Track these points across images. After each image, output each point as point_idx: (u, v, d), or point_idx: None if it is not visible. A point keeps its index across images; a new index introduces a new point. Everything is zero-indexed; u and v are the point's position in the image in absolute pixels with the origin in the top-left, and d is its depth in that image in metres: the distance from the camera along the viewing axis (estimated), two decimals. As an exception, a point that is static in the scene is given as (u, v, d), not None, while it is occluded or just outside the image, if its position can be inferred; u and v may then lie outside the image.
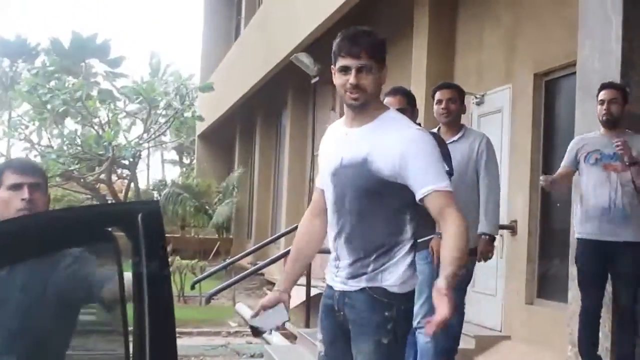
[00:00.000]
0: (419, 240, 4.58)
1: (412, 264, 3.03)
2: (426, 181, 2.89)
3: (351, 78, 2.90)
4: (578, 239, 5.15)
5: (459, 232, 2.84)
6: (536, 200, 7.32)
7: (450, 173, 4.88)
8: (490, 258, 5.50)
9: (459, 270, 2.82)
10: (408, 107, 4.94)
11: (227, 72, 21.19)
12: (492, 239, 5.41)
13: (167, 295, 1.80)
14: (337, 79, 2.95)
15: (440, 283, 2.78)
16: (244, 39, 19.99)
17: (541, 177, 5.36)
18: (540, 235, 7.29)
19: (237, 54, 20.35)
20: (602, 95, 5.09)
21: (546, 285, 7.20)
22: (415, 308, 4.82)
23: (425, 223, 4.70)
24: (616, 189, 4.96)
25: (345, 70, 2.92)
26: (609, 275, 5.08)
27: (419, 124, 5.01)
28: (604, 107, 5.06)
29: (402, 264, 2.98)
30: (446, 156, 4.89)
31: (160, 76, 35.73)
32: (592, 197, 5.04)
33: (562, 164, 5.33)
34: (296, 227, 11.61)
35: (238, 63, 19.62)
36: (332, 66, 2.99)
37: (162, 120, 17.72)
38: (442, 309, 2.73)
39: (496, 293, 7.78)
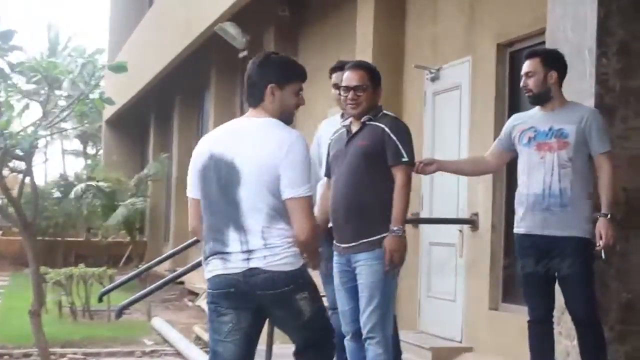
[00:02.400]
0: (372, 238, 4.61)
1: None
2: None
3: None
4: (515, 234, 5.08)
5: None
6: (500, 190, 7.36)
7: (410, 163, 4.85)
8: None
9: None
10: (370, 84, 4.89)
11: (139, 46, 20.92)
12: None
13: None
14: None
15: None
16: (158, 6, 19.77)
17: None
18: (505, 230, 7.31)
19: (150, 24, 20.11)
20: (523, 68, 5.04)
21: (513, 288, 7.23)
22: (364, 316, 4.80)
23: (379, 217, 4.73)
24: (552, 171, 4.85)
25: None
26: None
27: (380, 107, 4.96)
28: (522, 82, 5.01)
29: None
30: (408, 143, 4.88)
31: (60, 51, 35.10)
32: (525, 183, 4.98)
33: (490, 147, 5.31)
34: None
35: (152, 35, 19.38)
36: None
37: (63, 103, 17.35)
38: None
39: (455, 298, 7.81)
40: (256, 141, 3.80)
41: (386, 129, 4.82)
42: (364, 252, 4.74)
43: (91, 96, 14.95)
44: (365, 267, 4.73)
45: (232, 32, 12.71)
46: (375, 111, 4.94)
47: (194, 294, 14.43)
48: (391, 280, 4.84)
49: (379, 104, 5.02)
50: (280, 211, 3.78)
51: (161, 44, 17.79)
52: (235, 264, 3.82)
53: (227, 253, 3.83)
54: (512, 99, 7.36)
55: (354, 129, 4.94)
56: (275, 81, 3.85)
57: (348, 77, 4.94)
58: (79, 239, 22.01)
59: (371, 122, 4.88)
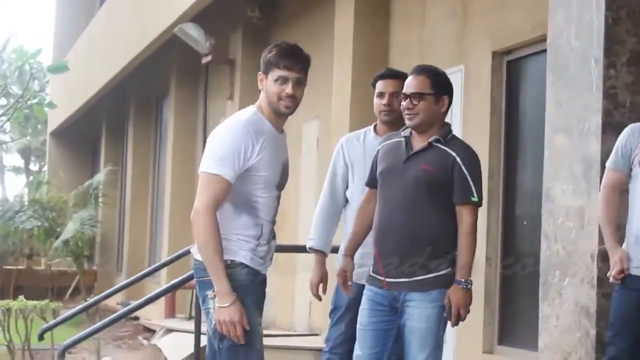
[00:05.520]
0: (428, 276, 4.64)
1: None
2: None
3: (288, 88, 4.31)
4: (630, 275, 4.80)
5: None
6: (496, 217, 7.37)
7: (479, 204, 4.76)
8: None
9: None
10: (432, 92, 4.76)
11: (88, 49, 20.88)
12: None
13: None
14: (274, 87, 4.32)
15: None
16: (111, 5, 19.74)
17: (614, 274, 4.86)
18: (501, 263, 7.34)
19: (102, 25, 20.08)
20: None
21: (510, 329, 7.26)
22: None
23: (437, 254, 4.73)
24: None
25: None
26: None
27: (449, 125, 4.82)
28: None
29: None
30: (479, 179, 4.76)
31: (-1, 52, 35.04)
32: None
33: (608, 166, 4.92)
34: (182, 255, 11.33)
35: (103, 37, 19.36)
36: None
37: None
38: None
39: (445, 339, 7.77)
40: None
41: (457, 160, 4.67)
42: (418, 292, 4.61)
43: (31, 102, 14.81)
44: (418, 310, 4.62)
45: (194, 34, 12.66)
46: (444, 131, 4.77)
47: (150, 331, 14.31)
48: (444, 328, 4.78)
49: (447, 121, 4.86)
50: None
51: (114, 46, 17.73)
52: None
53: None
54: (509, 115, 7.37)
55: (416, 144, 4.74)
56: (262, 69, 4.35)
57: (407, 83, 4.79)
58: (18, 267, 21.80)
59: (439, 145, 4.72)
